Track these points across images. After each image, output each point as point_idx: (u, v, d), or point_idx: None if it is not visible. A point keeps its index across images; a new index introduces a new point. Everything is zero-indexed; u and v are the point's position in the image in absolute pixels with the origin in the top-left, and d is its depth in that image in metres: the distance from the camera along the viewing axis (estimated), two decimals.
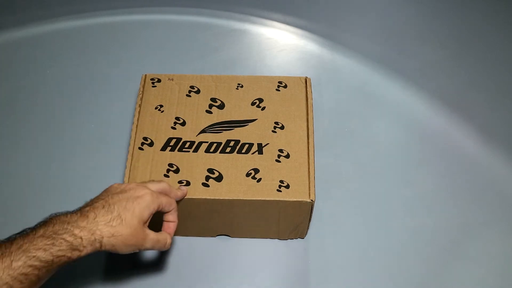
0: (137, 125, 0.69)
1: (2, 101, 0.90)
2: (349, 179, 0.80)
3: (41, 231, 0.46)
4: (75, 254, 0.47)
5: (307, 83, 0.73)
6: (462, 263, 0.72)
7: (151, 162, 0.65)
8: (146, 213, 0.53)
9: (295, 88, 0.73)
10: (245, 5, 1.04)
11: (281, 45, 0.99)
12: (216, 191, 0.63)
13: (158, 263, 0.72)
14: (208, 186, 0.63)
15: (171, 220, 0.58)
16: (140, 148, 0.67)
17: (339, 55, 0.96)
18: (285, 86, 0.73)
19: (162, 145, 0.67)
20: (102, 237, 0.49)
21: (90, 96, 0.90)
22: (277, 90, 0.73)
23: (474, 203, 0.78)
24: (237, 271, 0.72)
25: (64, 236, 0.46)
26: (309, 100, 0.72)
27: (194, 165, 0.65)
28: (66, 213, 0.49)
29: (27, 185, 0.80)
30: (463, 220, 0.76)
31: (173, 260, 0.72)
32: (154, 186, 0.57)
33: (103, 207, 0.51)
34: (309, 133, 0.68)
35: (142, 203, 0.53)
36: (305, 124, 0.69)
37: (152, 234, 0.54)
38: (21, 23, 1.01)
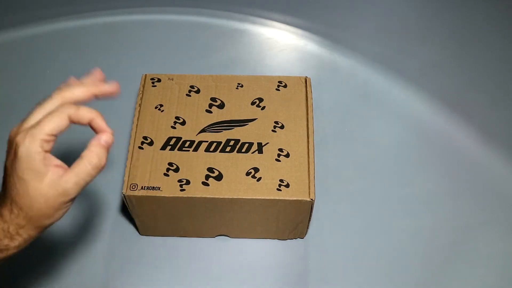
0: (137, 125, 0.69)
1: (2, 101, 0.90)
2: (349, 179, 0.80)
3: None
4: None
5: (307, 83, 0.73)
6: (462, 263, 0.72)
7: (151, 161, 0.65)
8: (35, 163, 0.41)
9: (295, 88, 0.73)
10: (245, 5, 1.04)
11: (281, 45, 0.99)
12: (216, 190, 0.63)
13: (158, 263, 0.72)
14: (208, 185, 0.63)
15: (88, 120, 0.44)
16: (140, 147, 0.67)
17: (339, 55, 0.96)
18: (285, 86, 0.73)
19: (162, 144, 0.67)
20: (17, 230, 0.43)
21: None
22: (277, 89, 0.73)
23: (474, 203, 0.78)
24: (237, 271, 0.72)
25: None
26: (309, 99, 0.72)
27: (194, 164, 0.65)
28: None
29: None
30: (463, 220, 0.76)
31: (173, 260, 0.72)
32: (33, 118, 0.43)
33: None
34: (309, 133, 0.68)
35: (20, 159, 0.41)
36: (305, 123, 0.69)
37: (66, 180, 0.42)
38: (21, 23, 1.01)
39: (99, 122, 0.45)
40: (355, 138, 0.85)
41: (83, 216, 0.75)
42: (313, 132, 0.68)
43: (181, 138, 0.68)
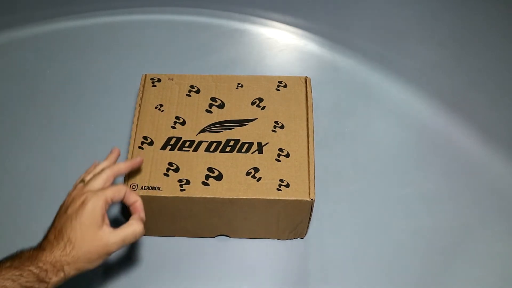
0: (137, 125, 0.69)
1: (2, 101, 0.90)
2: (349, 178, 0.80)
3: (8, 263, 0.47)
4: (43, 285, 0.47)
5: (307, 83, 0.73)
6: (462, 263, 0.72)
7: (151, 161, 0.65)
8: (97, 215, 0.51)
9: (295, 88, 0.73)
10: (245, 5, 1.04)
11: (281, 45, 0.99)
12: (216, 190, 0.63)
13: (158, 263, 0.72)
14: (208, 185, 0.63)
15: (133, 201, 0.56)
16: (140, 147, 0.67)
17: (339, 55, 0.96)
18: (285, 86, 0.73)
19: (162, 144, 0.67)
20: (63, 267, 0.49)
21: (90, 96, 0.90)
22: (277, 89, 0.73)
23: (474, 203, 0.78)
24: (237, 271, 0.72)
25: (31, 268, 0.47)
26: (309, 99, 0.72)
27: (194, 164, 0.65)
28: (30, 249, 0.50)
29: (27, 185, 0.80)
30: (463, 220, 0.76)
31: (173, 260, 0.72)
32: (94, 184, 0.55)
33: (54, 237, 0.50)
34: (309, 133, 0.68)
35: (87, 210, 0.51)
36: (305, 123, 0.69)
37: (113, 236, 0.52)
38: (21, 23, 1.01)
39: (138, 205, 0.57)
40: (355, 138, 0.85)
41: None
42: (313, 132, 0.68)
43: (181, 138, 0.68)
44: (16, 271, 0.46)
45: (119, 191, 0.55)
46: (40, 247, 0.50)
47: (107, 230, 0.52)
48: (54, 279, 0.48)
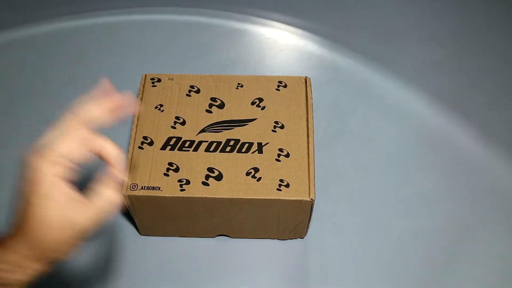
0: (137, 125, 0.69)
1: (2, 101, 0.90)
2: (349, 179, 0.80)
3: None
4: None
5: (307, 83, 0.73)
6: (462, 263, 0.72)
7: (151, 161, 0.65)
8: (43, 187, 0.38)
9: (295, 88, 0.73)
10: (245, 5, 1.04)
11: (281, 45, 0.99)
12: (216, 190, 0.63)
13: (158, 263, 0.72)
14: (208, 185, 0.63)
15: (102, 148, 0.42)
16: (140, 147, 0.67)
17: (339, 55, 0.96)
18: (285, 86, 0.73)
19: (162, 144, 0.67)
20: (20, 264, 0.40)
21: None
22: (277, 89, 0.73)
23: (474, 203, 0.78)
24: (237, 271, 0.72)
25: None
26: (309, 99, 0.72)
27: (194, 164, 0.65)
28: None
29: None
30: (463, 220, 0.76)
31: (173, 260, 0.72)
32: (41, 142, 0.41)
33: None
34: (309, 133, 0.68)
35: (29, 183, 0.39)
36: (305, 123, 0.69)
37: (80, 213, 0.39)
38: (21, 23, 1.01)
39: (111, 152, 0.42)
40: (355, 138, 0.85)
41: None
42: (313, 132, 0.68)
43: (181, 138, 0.68)
44: None
45: (72, 136, 0.40)
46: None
47: (64, 204, 0.39)
48: (13, 277, 0.40)
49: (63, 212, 0.39)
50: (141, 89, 0.73)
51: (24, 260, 0.40)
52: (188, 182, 0.64)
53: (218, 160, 0.66)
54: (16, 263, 0.39)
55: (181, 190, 0.63)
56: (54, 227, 0.39)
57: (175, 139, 0.68)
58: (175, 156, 0.66)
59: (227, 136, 0.68)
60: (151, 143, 0.67)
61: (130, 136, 0.68)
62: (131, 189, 0.63)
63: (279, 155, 0.66)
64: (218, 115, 0.70)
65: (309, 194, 0.63)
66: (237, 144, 0.67)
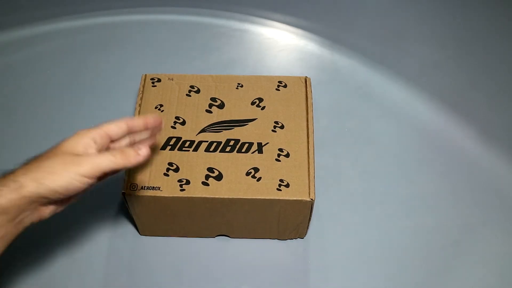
0: None
1: (2, 101, 0.90)
2: (349, 178, 0.80)
3: None
4: None
5: (307, 83, 0.73)
6: (462, 263, 0.72)
7: (151, 161, 0.65)
8: (74, 147, 0.47)
9: (295, 88, 0.73)
10: (245, 5, 1.04)
11: (281, 45, 0.99)
12: (216, 190, 0.63)
13: (158, 263, 0.72)
14: (208, 185, 0.63)
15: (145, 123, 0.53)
16: None
17: (339, 55, 0.96)
18: (285, 86, 0.73)
19: (162, 144, 0.67)
20: (17, 176, 0.44)
21: (90, 96, 0.90)
22: (277, 89, 0.73)
23: (474, 203, 0.78)
24: (237, 271, 0.72)
25: None
26: (309, 99, 0.72)
27: (194, 164, 0.65)
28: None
29: None
30: (463, 220, 0.76)
31: (173, 260, 0.72)
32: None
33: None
34: (309, 133, 0.68)
35: (67, 140, 0.48)
36: (305, 123, 0.69)
37: (88, 158, 0.46)
38: (21, 23, 1.01)
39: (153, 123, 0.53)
40: (355, 138, 0.85)
41: (83, 216, 0.75)
42: (313, 132, 0.68)
43: (181, 138, 0.68)
44: None
45: (116, 124, 0.51)
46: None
47: (84, 150, 0.48)
48: (6, 190, 0.43)
49: (76, 148, 0.47)
50: (141, 89, 0.73)
51: (16, 176, 0.44)
52: (188, 182, 0.64)
53: (218, 160, 0.66)
54: (12, 177, 0.44)
55: (181, 190, 0.63)
56: (58, 155, 0.46)
57: (175, 139, 0.68)
58: (175, 156, 0.66)
59: (227, 136, 0.68)
60: None
61: None
62: (131, 189, 0.63)
63: (279, 155, 0.66)
64: (218, 115, 0.70)
65: (309, 194, 0.63)
66: (237, 144, 0.67)
